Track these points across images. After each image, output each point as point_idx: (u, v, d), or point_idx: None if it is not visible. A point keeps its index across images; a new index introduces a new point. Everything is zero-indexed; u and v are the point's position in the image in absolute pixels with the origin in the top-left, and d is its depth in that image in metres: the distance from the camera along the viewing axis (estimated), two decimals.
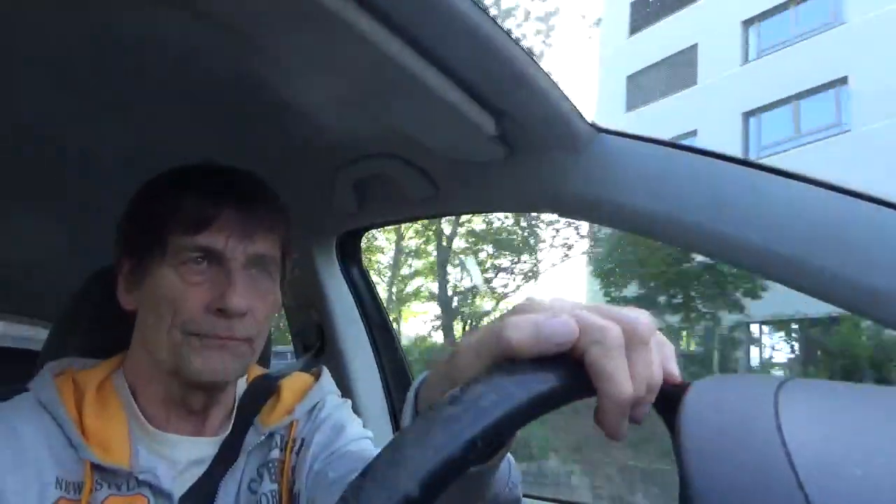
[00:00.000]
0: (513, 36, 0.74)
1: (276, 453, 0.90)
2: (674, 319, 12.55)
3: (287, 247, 0.90)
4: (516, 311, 0.44)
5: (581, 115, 0.86)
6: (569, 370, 0.40)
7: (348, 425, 0.93)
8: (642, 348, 0.42)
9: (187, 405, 0.85)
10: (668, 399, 0.41)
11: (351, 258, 1.50)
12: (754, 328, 13.54)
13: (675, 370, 0.44)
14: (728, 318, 12.59)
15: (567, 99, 0.83)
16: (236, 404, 0.93)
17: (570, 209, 0.93)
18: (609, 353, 0.40)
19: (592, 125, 0.87)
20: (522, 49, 0.76)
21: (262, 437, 0.89)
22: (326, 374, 1.00)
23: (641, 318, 0.43)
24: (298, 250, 1.37)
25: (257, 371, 0.99)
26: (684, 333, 13.24)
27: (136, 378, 0.86)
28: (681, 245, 0.81)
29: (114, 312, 0.87)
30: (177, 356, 0.80)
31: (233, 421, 0.91)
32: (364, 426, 0.97)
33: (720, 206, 0.76)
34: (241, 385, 0.95)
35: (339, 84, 0.88)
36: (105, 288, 0.90)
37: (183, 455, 0.85)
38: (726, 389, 0.36)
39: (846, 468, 0.26)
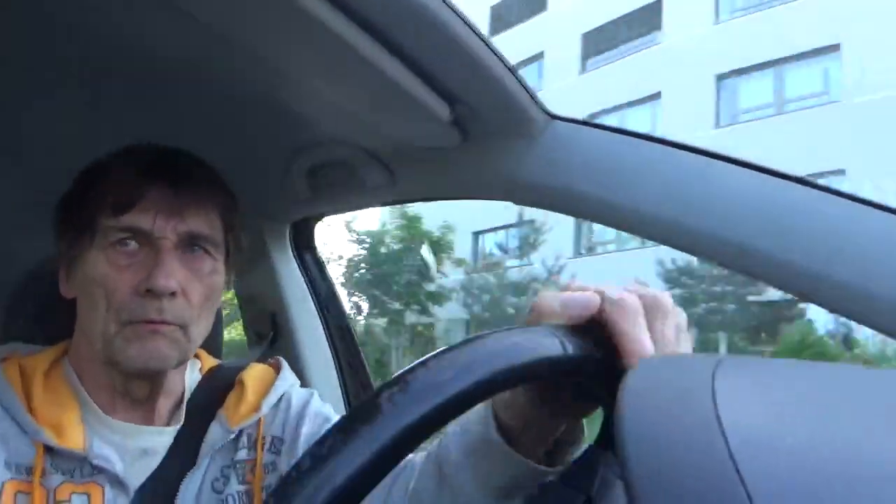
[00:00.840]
0: (469, 22, 0.73)
1: (244, 453, 0.89)
2: (381, 321, 17.01)
3: (230, 225, 0.87)
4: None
5: (536, 102, 0.86)
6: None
7: (330, 414, 0.93)
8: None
9: (130, 394, 0.84)
10: (611, 379, 0.42)
11: (305, 246, 1.48)
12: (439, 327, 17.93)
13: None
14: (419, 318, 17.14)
15: (522, 86, 0.84)
16: (187, 394, 0.91)
17: (524, 196, 0.93)
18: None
19: (547, 112, 0.88)
20: (478, 35, 0.75)
21: (232, 436, 0.87)
22: (286, 366, 0.99)
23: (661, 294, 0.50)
24: (251, 237, 1.36)
25: (211, 362, 0.97)
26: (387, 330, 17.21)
27: (80, 365, 0.84)
28: (635, 232, 0.82)
29: (62, 300, 0.85)
30: (110, 347, 0.78)
31: (184, 410, 0.89)
32: None
33: (673, 194, 0.77)
34: (195, 375, 0.94)
35: (293, 69, 0.87)
36: (54, 275, 0.88)
37: (132, 443, 0.83)
38: (667, 369, 0.37)
39: (775, 437, 0.27)
